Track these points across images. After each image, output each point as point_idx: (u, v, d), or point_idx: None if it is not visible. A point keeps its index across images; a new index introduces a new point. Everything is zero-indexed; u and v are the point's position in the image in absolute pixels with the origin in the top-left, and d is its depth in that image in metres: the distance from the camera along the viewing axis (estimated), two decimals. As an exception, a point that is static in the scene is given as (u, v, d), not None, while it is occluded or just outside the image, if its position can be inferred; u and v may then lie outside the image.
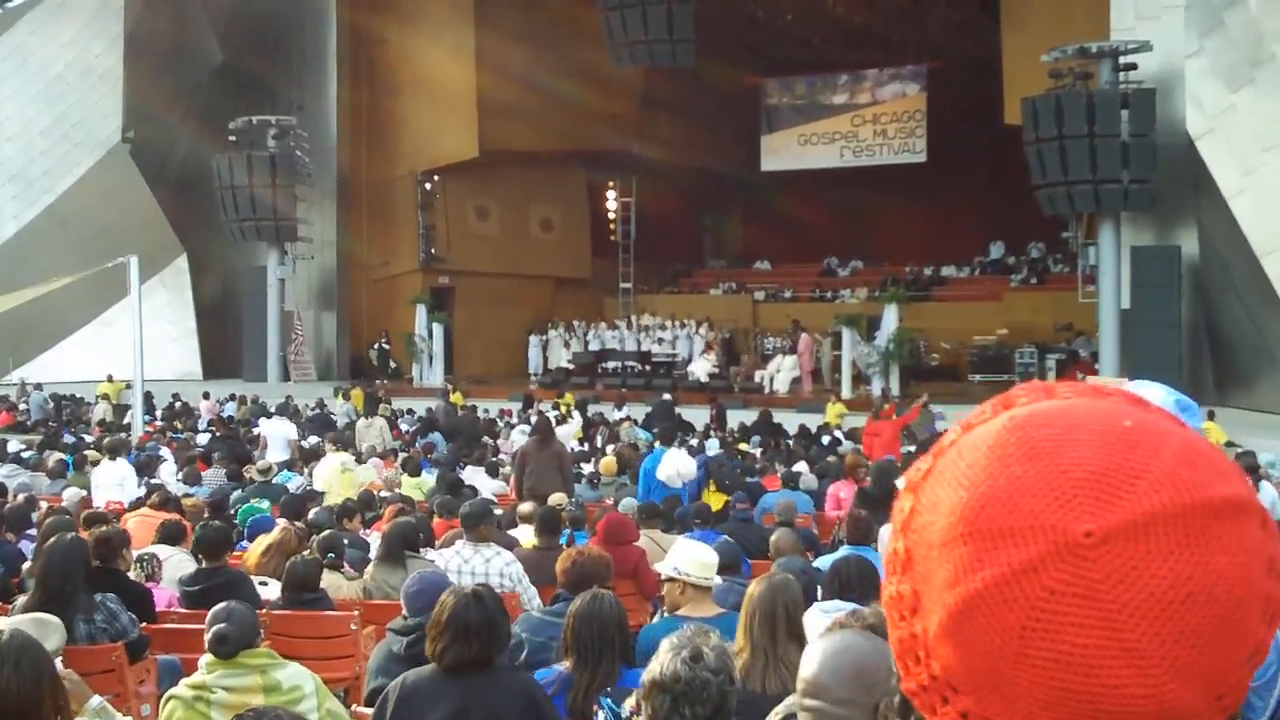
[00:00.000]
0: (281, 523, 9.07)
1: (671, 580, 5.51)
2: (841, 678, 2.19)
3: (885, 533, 4.25)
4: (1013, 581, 0.81)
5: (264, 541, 8.33)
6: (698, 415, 23.56)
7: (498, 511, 9.67)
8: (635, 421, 23.07)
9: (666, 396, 25.27)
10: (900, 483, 0.97)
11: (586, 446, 20.53)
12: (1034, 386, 0.93)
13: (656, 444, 14.72)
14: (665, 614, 5.66)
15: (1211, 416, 19.52)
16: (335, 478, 13.39)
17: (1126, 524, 0.80)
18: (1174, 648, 0.79)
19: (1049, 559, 0.80)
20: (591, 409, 24.90)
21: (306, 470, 14.94)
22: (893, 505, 0.95)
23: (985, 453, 0.86)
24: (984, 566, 0.82)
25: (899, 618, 0.89)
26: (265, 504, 10.78)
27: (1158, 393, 3.32)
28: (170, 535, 8.29)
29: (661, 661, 3.26)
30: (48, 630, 4.18)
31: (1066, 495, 0.82)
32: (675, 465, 11.99)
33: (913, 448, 16.92)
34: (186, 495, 11.19)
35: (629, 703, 3.96)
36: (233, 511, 10.60)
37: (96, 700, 4.15)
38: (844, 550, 6.81)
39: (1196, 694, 0.80)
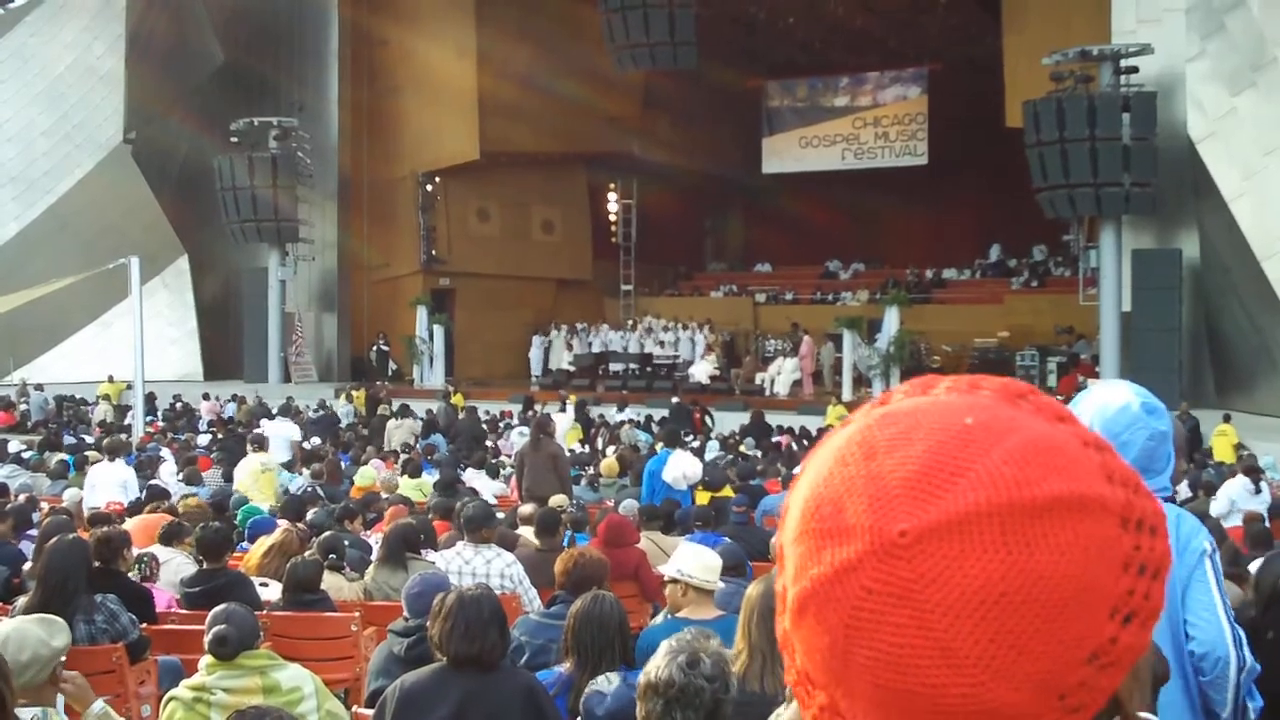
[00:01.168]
0: (283, 524, 9.08)
1: (674, 582, 5.53)
2: None
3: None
4: (835, 581, 0.82)
5: (265, 543, 8.34)
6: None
7: (500, 515, 9.67)
8: (637, 423, 23.10)
9: (675, 400, 25.27)
10: None
11: (588, 448, 20.56)
12: (915, 382, 0.93)
13: (659, 446, 14.70)
14: (668, 615, 5.66)
15: (1228, 419, 19.53)
16: (255, 479, 13.41)
17: (941, 523, 0.79)
18: (990, 647, 0.78)
19: (867, 559, 0.81)
20: (593, 411, 24.93)
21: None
22: None
23: (832, 453, 0.87)
24: (814, 564, 0.83)
25: (777, 614, 0.90)
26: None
27: (1123, 394, 3.32)
28: (169, 536, 8.28)
29: (658, 664, 3.26)
30: (54, 630, 4.18)
31: (888, 495, 0.82)
32: (682, 467, 11.98)
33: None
34: (187, 496, 11.18)
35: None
36: (232, 513, 10.60)
37: (99, 705, 4.14)
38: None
39: (1026, 695, 0.79)
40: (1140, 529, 0.83)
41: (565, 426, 20.28)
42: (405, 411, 23.43)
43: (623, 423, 23.34)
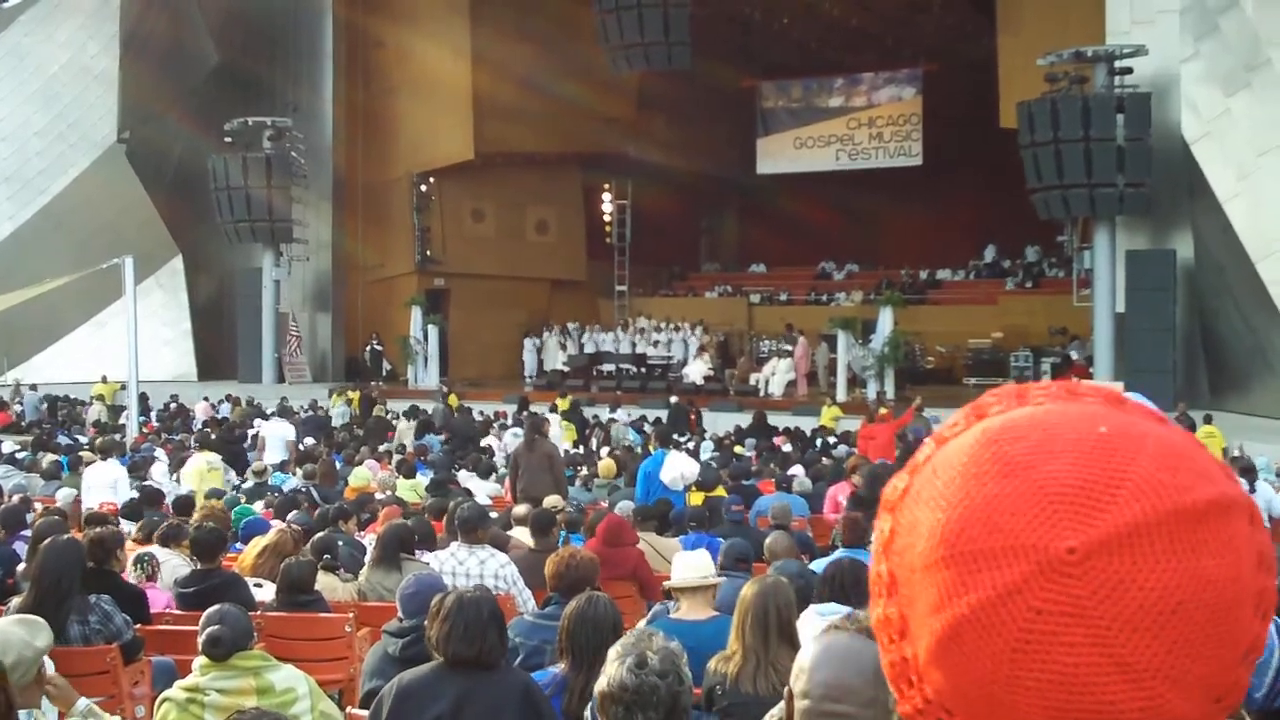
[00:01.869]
0: (277, 524, 9.06)
1: (679, 591, 5.65)
2: (867, 677, 2.16)
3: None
4: (998, 605, 0.79)
5: (259, 543, 8.32)
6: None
7: (493, 515, 9.66)
8: (628, 423, 23.11)
9: (674, 399, 25.28)
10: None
11: (583, 449, 20.54)
12: (1007, 392, 0.92)
13: (653, 446, 14.70)
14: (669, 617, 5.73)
15: (1209, 420, 19.56)
16: (200, 477, 13.39)
17: (1109, 537, 0.79)
18: (1168, 658, 0.78)
19: (1033, 579, 0.79)
20: (586, 412, 24.92)
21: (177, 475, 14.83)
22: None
23: (960, 470, 0.84)
24: (968, 591, 0.81)
25: (888, 641, 0.88)
26: (258, 506, 10.76)
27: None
28: (168, 537, 8.27)
29: (608, 673, 3.26)
30: (35, 630, 4.17)
31: (1046, 512, 0.80)
32: (679, 468, 11.98)
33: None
34: (180, 495, 11.16)
35: None
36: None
37: (83, 703, 4.14)
38: (840, 553, 6.82)
39: (1195, 700, 0.79)
40: (1259, 526, 0.84)
41: (554, 430, 20.29)
42: (414, 412, 23.45)
43: (613, 419, 23.36)
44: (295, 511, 10.28)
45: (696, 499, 11.73)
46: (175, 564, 7.92)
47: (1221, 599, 0.79)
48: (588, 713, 3.87)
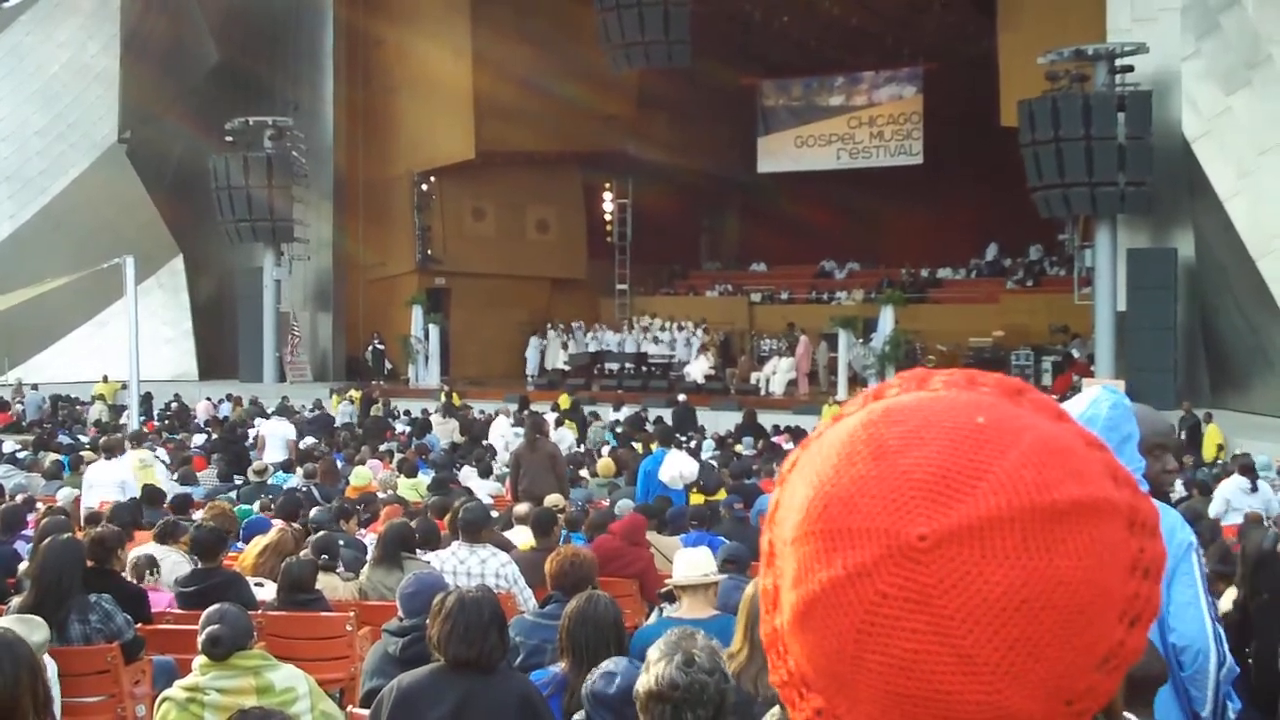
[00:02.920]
0: (278, 523, 9.06)
1: (681, 589, 5.65)
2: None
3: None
4: (847, 584, 0.80)
5: (260, 542, 8.32)
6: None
7: (494, 514, 9.66)
8: (607, 425, 23.18)
9: (682, 397, 25.28)
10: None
11: (582, 448, 20.54)
12: (909, 375, 0.91)
13: (654, 445, 14.69)
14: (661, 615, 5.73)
15: (1209, 419, 19.56)
16: (134, 474, 13.33)
17: (961, 528, 0.78)
18: (1009, 654, 0.77)
19: (882, 562, 0.79)
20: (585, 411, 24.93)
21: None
22: None
23: (838, 450, 0.85)
24: (823, 567, 0.81)
25: (765, 611, 0.88)
26: (255, 506, 10.75)
27: (1094, 392, 3.34)
28: (165, 535, 8.27)
29: (655, 672, 3.22)
30: (31, 628, 4.18)
31: (904, 497, 0.80)
32: (678, 467, 11.97)
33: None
34: (180, 493, 11.16)
35: None
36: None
37: None
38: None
39: (1038, 700, 0.78)
40: (1143, 531, 0.83)
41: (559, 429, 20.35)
42: (450, 411, 23.78)
43: (596, 415, 23.47)
44: (314, 510, 10.26)
45: (698, 499, 11.74)
46: (174, 560, 7.92)
47: (1072, 601, 0.78)
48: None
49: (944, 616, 0.77)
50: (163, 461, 15.40)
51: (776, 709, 2.75)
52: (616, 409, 25.13)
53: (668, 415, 22.92)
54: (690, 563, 5.66)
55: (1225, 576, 6.55)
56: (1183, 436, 19.01)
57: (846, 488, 0.82)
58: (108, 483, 12.39)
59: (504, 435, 19.42)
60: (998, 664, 0.77)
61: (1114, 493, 0.82)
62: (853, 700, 0.81)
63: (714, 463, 15.42)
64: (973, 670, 0.77)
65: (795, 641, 0.84)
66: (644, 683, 3.25)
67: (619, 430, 22.34)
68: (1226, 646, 3.27)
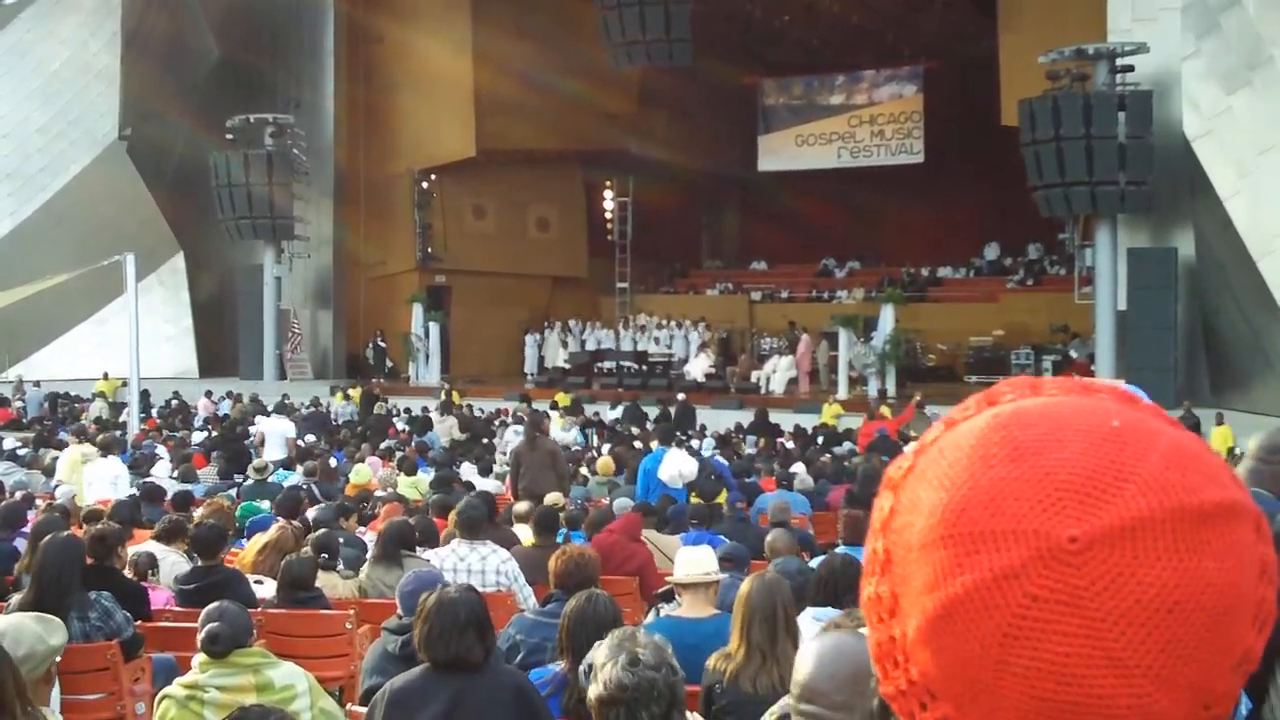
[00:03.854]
0: (279, 521, 9.06)
1: (681, 588, 5.66)
2: (837, 682, 2.15)
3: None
4: (994, 587, 0.78)
5: (260, 540, 8.33)
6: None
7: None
8: (581, 423, 23.22)
9: (682, 396, 25.27)
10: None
11: (581, 447, 20.55)
12: (1020, 382, 0.90)
13: (654, 444, 14.68)
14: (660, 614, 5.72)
15: (1220, 420, 19.55)
16: (74, 469, 13.36)
17: (1112, 529, 0.77)
18: (1160, 657, 0.77)
19: (1032, 564, 0.78)
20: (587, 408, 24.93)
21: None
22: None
23: (968, 452, 0.83)
24: (964, 571, 0.79)
25: (877, 620, 0.87)
26: (265, 504, 10.74)
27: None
28: (166, 534, 8.27)
29: (603, 677, 3.22)
30: (51, 629, 4.18)
31: (1051, 499, 0.79)
32: (677, 466, 11.97)
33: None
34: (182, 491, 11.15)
35: None
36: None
37: None
38: (840, 550, 6.82)
39: (1183, 703, 0.78)
40: (1264, 536, 0.83)
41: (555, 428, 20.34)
42: (447, 409, 23.70)
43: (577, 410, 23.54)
44: (314, 508, 10.26)
45: (699, 499, 11.74)
46: (173, 559, 7.92)
47: (1219, 603, 0.78)
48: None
49: (1096, 619, 0.77)
50: (161, 459, 15.43)
51: (776, 709, 2.75)
52: (613, 407, 25.13)
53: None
54: (691, 561, 5.64)
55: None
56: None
57: (986, 489, 0.81)
58: (104, 480, 12.41)
59: (511, 444, 19.34)
60: (1149, 667, 0.76)
61: (1244, 496, 0.83)
62: (990, 707, 0.79)
63: (713, 469, 15.40)
64: (1124, 673, 0.76)
65: (924, 649, 0.82)
66: (594, 690, 3.24)
67: (617, 427, 22.36)
68: None
